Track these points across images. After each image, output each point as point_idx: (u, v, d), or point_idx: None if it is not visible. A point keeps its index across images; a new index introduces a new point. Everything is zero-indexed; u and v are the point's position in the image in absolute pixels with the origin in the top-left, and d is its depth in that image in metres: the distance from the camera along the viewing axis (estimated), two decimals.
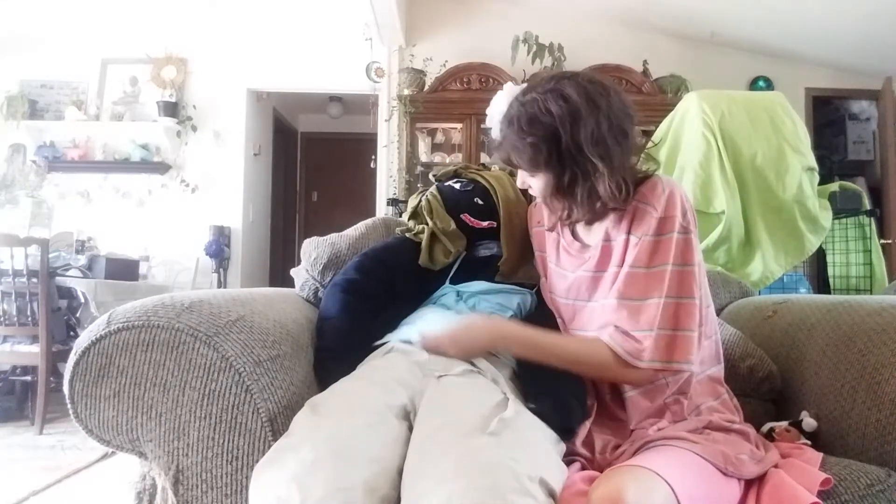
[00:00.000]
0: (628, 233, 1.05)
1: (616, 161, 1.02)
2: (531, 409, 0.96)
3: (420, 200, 1.40)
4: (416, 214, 1.41)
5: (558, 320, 1.18)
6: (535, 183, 1.11)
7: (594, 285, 1.11)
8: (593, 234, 1.14)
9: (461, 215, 1.34)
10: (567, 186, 1.05)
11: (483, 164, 1.31)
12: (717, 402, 1.07)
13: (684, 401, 1.04)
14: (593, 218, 1.10)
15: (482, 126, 4.30)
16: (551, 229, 1.23)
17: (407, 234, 1.38)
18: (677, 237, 1.01)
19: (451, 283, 1.30)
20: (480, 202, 1.34)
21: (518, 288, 1.28)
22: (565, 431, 0.98)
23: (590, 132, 1.00)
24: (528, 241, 1.30)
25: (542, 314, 1.23)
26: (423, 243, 1.33)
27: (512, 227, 1.31)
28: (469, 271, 1.32)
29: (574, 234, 1.18)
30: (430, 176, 1.46)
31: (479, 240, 1.36)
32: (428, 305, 1.29)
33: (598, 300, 1.10)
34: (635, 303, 1.01)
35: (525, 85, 1.12)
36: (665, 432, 0.96)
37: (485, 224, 1.33)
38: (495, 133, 1.14)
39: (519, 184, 1.16)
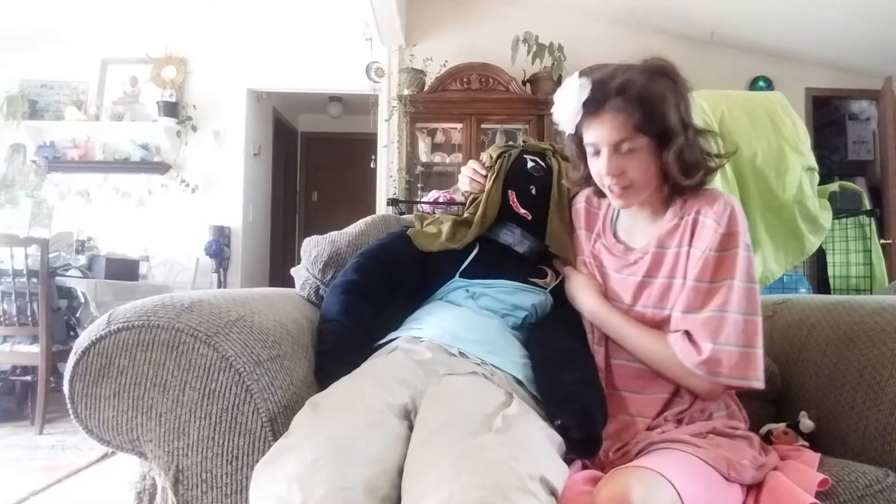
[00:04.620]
0: (689, 245, 1.05)
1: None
2: (556, 426, 0.95)
3: (502, 154, 1.36)
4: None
5: (586, 323, 1.18)
6: (636, 158, 1.04)
7: (640, 291, 1.11)
8: (637, 237, 1.14)
9: (509, 190, 1.32)
10: (690, 143, 1.05)
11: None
12: (726, 411, 1.07)
13: (705, 409, 1.05)
14: (689, 181, 1.06)
15: (482, 126, 4.31)
16: (590, 227, 1.24)
17: (409, 232, 1.37)
18: (742, 254, 1.01)
19: (462, 275, 1.28)
20: (534, 192, 1.31)
21: (534, 287, 1.26)
22: (589, 442, 0.96)
23: (685, 101, 1.06)
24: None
25: (559, 315, 1.23)
26: (447, 228, 1.33)
27: (564, 229, 1.30)
28: (485, 260, 1.29)
29: (616, 237, 1.18)
30: (522, 140, 1.43)
31: (508, 220, 1.33)
32: (435, 301, 1.28)
33: (646, 306, 1.10)
34: (695, 315, 1.01)
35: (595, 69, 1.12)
36: (669, 435, 0.96)
37: (522, 212, 1.31)
38: (571, 122, 1.10)
39: (607, 171, 1.07)
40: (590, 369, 1.09)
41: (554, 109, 1.12)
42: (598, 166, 1.08)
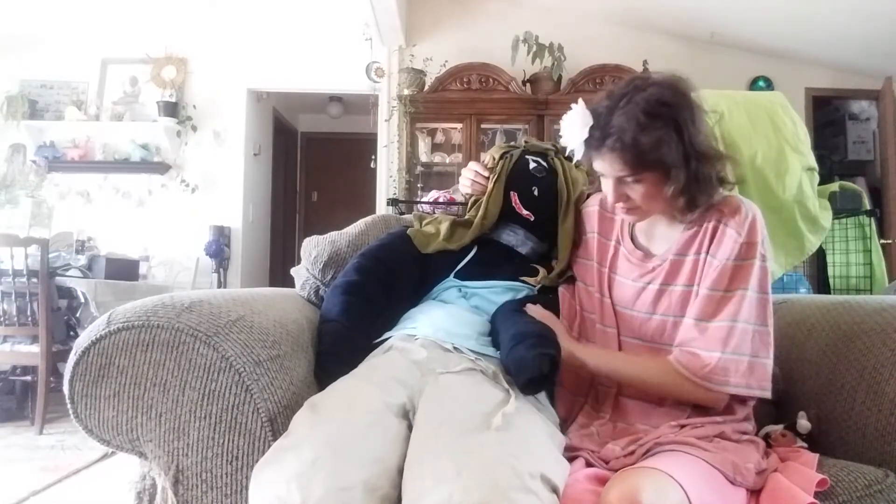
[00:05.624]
0: (707, 252, 1.05)
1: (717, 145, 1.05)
2: (510, 381, 0.97)
3: (504, 155, 1.34)
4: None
5: (611, 329, 1.16)
6: (641, 188, 1.03)
7: (658, 298, 1.10)
8: (657, 243, 1.13)
9: (511, 191, 1.31)
10: (695, 176, 1.01)
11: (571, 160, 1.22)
12: (738, 415, 1.06)
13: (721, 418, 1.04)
14: (696, 208, 1.05)
15: (482, 126, 4.31)
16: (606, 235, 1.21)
17: (409, 231, 1.37)
18: (758, 264, 1.01)
19: (458, 276, 1.28)
20: (536, 193, 1.30)
21: (523, 286, 1.26)
22: (542, 379, 0.97)
23: (701, 121, 1.02)
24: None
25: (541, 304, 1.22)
26: (445, 227, 1.32)
27: (566, 232, 1.28)
28: (483, 261, 1.30)
29: (635, 243, 1.17)
30: (524, 140, 1.41)
31: (511, 221, 1.33)
32: (428, 300, 1.29)
33: (667, 314, 1.09)
34: (707, 323, 1.01)
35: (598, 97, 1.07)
36: (675, 437, 0.96)
37: (524, 213, 1.31)
38: (578, 151, 1.09)
39: (613, 199, 1.07)
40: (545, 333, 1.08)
41: (561, 134, 1.12)
42: (605, 189, 1.09)
